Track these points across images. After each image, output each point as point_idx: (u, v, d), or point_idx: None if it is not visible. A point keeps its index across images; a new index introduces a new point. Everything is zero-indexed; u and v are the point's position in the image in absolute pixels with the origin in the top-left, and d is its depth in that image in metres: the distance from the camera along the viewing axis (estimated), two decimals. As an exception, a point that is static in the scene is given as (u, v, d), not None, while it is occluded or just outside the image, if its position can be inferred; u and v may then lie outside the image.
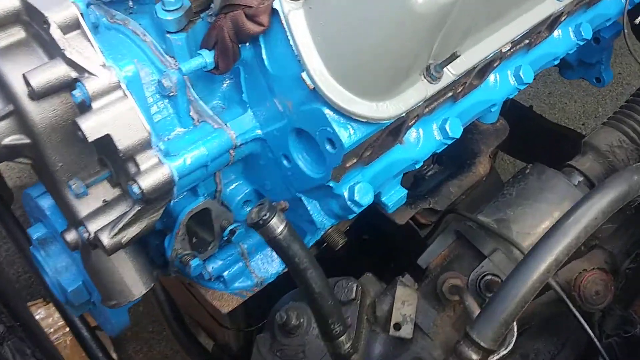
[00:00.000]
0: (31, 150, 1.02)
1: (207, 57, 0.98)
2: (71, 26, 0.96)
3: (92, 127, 0.92)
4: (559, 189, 1.15)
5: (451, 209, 1.27)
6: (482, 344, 0.85)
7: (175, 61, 1.08)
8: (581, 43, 1.42)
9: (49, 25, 0.94)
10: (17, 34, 1.01)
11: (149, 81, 1.10)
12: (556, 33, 1.37)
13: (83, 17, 0.99)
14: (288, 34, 0.88)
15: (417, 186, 1.45)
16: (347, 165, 1.00)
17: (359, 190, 1.05)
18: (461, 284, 1.09)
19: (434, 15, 0.82)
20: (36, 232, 1.25)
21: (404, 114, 0.95)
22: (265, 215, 0.82)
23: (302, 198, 1.11)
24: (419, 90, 0.96)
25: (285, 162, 1.07)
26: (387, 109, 0.92)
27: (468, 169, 1.44)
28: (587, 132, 3.20)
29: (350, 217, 1.11)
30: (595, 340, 0.98)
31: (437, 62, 0.96)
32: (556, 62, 1.42)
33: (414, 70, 0.92)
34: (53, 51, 0.97)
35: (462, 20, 0.91)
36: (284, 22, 0.89)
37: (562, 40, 1.39)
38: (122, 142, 0.94)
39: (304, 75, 0.89)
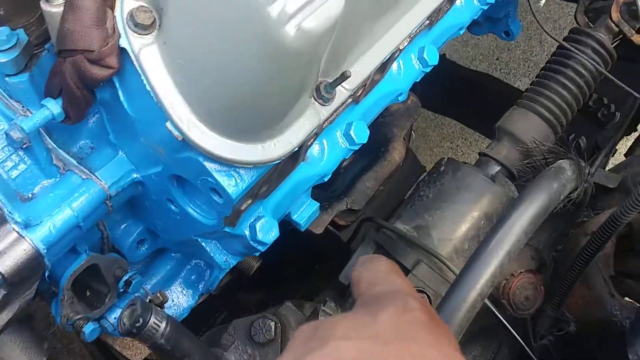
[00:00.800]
0: None
1: (53, 108, 0.81)
2: None
3: None
4: (476, 187, 1.07)
5: (367, 217, 1.17)
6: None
7: (22, 106, 0.91)
8: (485, 7, 1.31)
9: None
10: None
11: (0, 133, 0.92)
12: (459, 2, 1.26)
13: None
14: (142, 77, 0.73)
15: (331, 183, 1.34)
16: (242, 208, 0.87)
17: (261, 228, 0.93)
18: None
19: (313, 46, 0.68)
20: None
21: (296, 148, 0.82)
22: (139, 320, 0.69)
23: (200, 240, 0.99)
24: (310, 117, 0.83)
25: (172, 207, 0.93)
26: (276, 148, 0.79)
27: (382, 158, 1.34)
28: (501, 66, 3.19)
29: (258, 254, 0.99)
30: (527, 348, 0.93)
31: (327, 80, 0.83)
32: (462, 32, 1.31)
33: (300, 98, 0.79)
34: None
35: (347, 33, 0.78)
36: (135, 63, 0.73)
37: (466, 7, 1.28)
38: (-35, 225, 0.79)
39: (168, 125, 0.74)
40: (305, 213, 1.10)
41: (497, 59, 3.10)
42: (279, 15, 0.64)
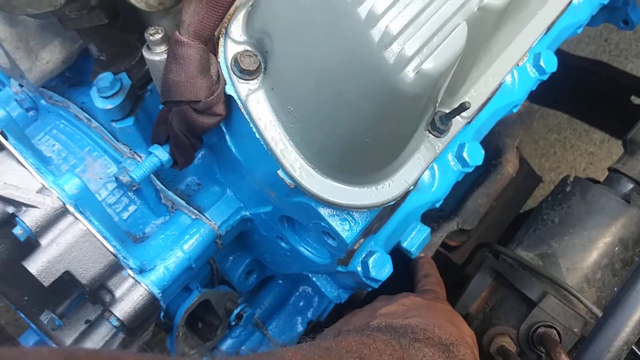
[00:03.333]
0: (-10, 289, 0.88)
1: (161, 156, 0.81)
2: (-8, 146, 0.80)
3: (45, 269, 0.78)
4: (608, 209, 0.97)
5: (483, 242, 1.10)
6: None
7: (130, 148, 0.92)
8: (606, 2, 1.19)
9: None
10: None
11: (107, 174, 0.94)
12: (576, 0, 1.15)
13: (7, 129, 0.83)
14: (251, 124, 0.70)
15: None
16: (355, 247, 0.83)
17: (374, 265, 0.89)
18: (509, 342, 0.94)
19: (432, 87, 0.62)
20: None
21: (411, 185, 0.77)
22: None
23: (310, 276, 0.96)
24: (426, 152, 0.77)
25: (282, 244, 0.91)
26: (390, 189, 0.75)
27: (495, 171, 1.25)
28: (610, 48, 2.95)
29: (370, 290, 0.95)
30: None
31: (443, 111, 0.77)
32: (580, 30, 1.20)
33: (415, 135, 0.74)
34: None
35: (466, 63, 0.72)
36: (243, 110, 0.70)
37: (584, 4, 1.17)
38: (86, 274, 0.81)
39: (280, 173, 0.71)
40: (415, 240, 1.05)
41: (606, 41, 2.86)
42: (396, 60, 0.59)
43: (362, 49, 0.60)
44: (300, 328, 1.17)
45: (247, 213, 0.91)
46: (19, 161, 0.80)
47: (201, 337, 1.07)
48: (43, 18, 0.84)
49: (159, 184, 0.92)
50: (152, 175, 0.91)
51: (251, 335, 1.15)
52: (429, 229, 1.05)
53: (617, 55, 2.88)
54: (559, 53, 1.94)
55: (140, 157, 0.91)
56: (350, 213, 0.76)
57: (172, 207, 0.96)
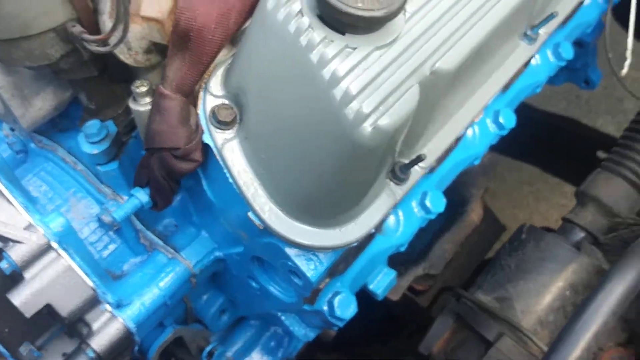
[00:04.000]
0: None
1: (142, 197, 0.87)
2: (-17, 186, 0.85)
3: (27, 301, 0.83)
4: (560, 256, 1.04)
5: (446, 286, 1.17)
6: None
7: (113, 191, 0.98)
8: (563, 64, 1.30)
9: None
10: None
11: (89, 214, 1.00)
12: (534, 61, 1.25)
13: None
14: (225, 170, 0.77)
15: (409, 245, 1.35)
16: (321, 287, 0.90)
17: (339, 305, 0.95)
18: (468, 380, 1.00)
19: (387, 140, 0.70)
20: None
21: (373, 227, 0.84)
22: None
23: (279, 315, 1.02)
24: (386, 198, 0.85)
25: (252, 283, 0.97)
26: (353, 231, 0.82)
27: (460, 219, 1.33)
28: (581, 104, 3.09)
29: (335, 329, 1.01)
30: None
31: (402, 161, 0.85)
32: (538, 90, 1.30)
33: (375, 182, 0.81)
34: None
35: (421, 119, 0.80)
36: (218, 157, 0.78)
37: (542, 67, 1.27)
38: (65, 308, 0.85)
39: (250, 215, 0.78)
40: (382, 282, 1.10)
41: (577, 97, 3.01)
42: (355, 116, 0.67)
43: (325, 107, 0.68)
44: (275, 364, 1.21)
45: (221, 253, 0.98)
46: (8, 200, 0.86)
47: (174, 373, 1.11)
48: (38, 69, 0.92)
49: (139, 224, 0.98)
50: (132, 216, 0.97)
51: (224, 373, 1.19)
52: (395, 273, 1.12)
53: (587, 111, 3.02)
54: (530, 109, 2.07)
55: (123, 198, 0.98)
56: (316, 253, 0.83)
57: (150, 247, 1.01)
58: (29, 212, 0.86)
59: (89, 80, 0.93)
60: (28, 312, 0.83)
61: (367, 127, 0.68)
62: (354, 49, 0.68)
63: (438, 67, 0.74)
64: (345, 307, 0.95)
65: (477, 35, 0.78)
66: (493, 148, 1.40)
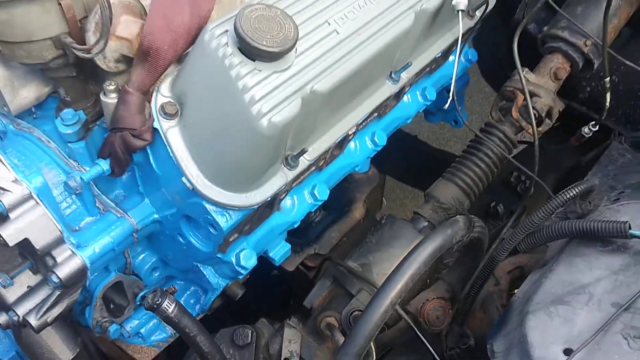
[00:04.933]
0: (-42, 253, 1.19)
1: (103, 165, 1.18)
2: (-17, 148, 1.14)
3: (11, 234, 1.11)
4: (406, 236, 1.42)
5: (328, 256, 1.52)
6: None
7: (78, 164, 1.28)
8: (428, 103, 1.70)
9: (-39, 153, 1.12)
10: None
11: (57, 181, 1.29)
12: (406, 98, 1.65)
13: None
14: (168, 147, 1.10)
15: (306, 232, 1.70)
16: (230, 239, 1.23)
17: (243, 257, 1.28)
18: (334, 321, 1.34)
19: (277, 132, 1.06)
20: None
21: (269, 198, 1.19)
22: (158, 300, 1.04)
23: (199, 265, 1.34)
24: (280, 178, 1.20)
25: (180, 239, 1.29)
26: (255, 197, 1.16)
27: (346, 215, 1.70)
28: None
29: (240, 277, 1.34)
30: (437, 356, 1.24)
31: (292, 153, 1.20)
32: (409, 121, 1.70)
33: (273, 164, 1.17)
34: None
35: (306, 124, 1.16)
36: (163, 138, 1.11)
37: (412, 104, 1.67)
38: (39, 242, 1.14)
39: (183, 179, 1.11)
40: (279, 252, 1.45)
41: (441, 127, 3.54)
42: (257, 113, 1.02)
43: (238, 107, 1.02)
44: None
45: (158, 216, 1.29)
46: (1, 160, 1.15)
47: (112, 315, 1.40)
48: (31, 67, 1.22)
49: (97, 190, 1.28)
50: (92, 184, 1.27)
51: (150, 321, 1.48)
52: (289, 245, 1.46)
53: (447, 139, 3.58)
54: (425, 145, 2.51)
55: (85, 169, 1.28)
56: (228, 211, 1.16)
57: (103, 210, 1.31)
58: (15, 171, 1.15)
59: (68, 79, 1.24)
60: (11, 242, 1.11)
61: (264, 121, 1.03)
62: (260, 70, 1.04)
63: (315, 88, 1.10)
64: (248, 259, 1.29)
65: (345, 70, 1.15)
66: (379, 168, 1.79)
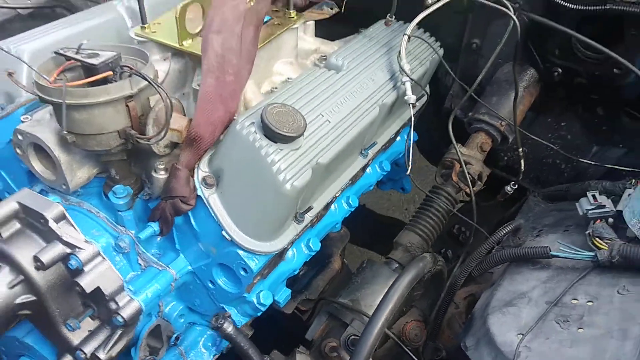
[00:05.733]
0: (34, 304, 1.45)
1: (155, 227, 1.50)
2: (60, 218, 1.43)
3: (87, 283, 1.38)
4: (384, 274, 1.79)
5: (321, 297, 1.86)
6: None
7: (125, 229, 1.59)
8: (385, 173, 2.12)
9: (46, 220, 1.40)
10: (14, 226, 1.43)
11: (107, 244, 1.59)
12: (369, 170, 2.06)
13: (66, 210, 1.48)
14: (210, 209, 1.44)
15: (294, 284, 2.03)
16: (255, 281, 1.55)
17: (263, 296, 1.60)
18: (336, 344, 1.66)
19: (296, 193, 1.42)
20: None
21: (285, 245, 1.54)
22: (221, 321, 1.35)
23: (224, 307, 1.64)
24: (292, 230, 1.55)
25: (210, 285, 1.59)
26: (276, 245, 1.50)
27: (327, 267, 2.05)
28: (408, 215, 4.09)
29: (259, 314, 1.65)
30: (418, 366, 1.58)
31: (300, 211, 1.57)
32: (372, 188, 2.11)
33: (288, 220, 1.52)
34: (49, 236, 1.41)
35: (310, 189, 1.54)
36: (206, 202, 1.45)
37: (373, 174, 2.08)
38: (107, 289, 1.42)
39: (223, 232, 1.45)
40: (282, 295, 1.77)
41: (406, 209, 3.99)
42: (283, 179, 1.38)
43: (267, 176, 1.38)
44: (209, 358, 1.78)
45: (191, 267, 1.60)
46: (73, 225, 1.44)
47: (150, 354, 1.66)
48: (90, 152, 1.54)
49: (142, 248, 1.58)
50: (137, 244, 1.58)
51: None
52: (290, 290, 1.79)
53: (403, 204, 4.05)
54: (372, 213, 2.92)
55: (131, 232, 1.58)
56: (256, 256, 1.49)
57: (144, 266, 1.61)
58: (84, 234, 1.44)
59: (120, 161, 1.57)
60: (88, 290, 1.39)
61: (288, 185, 1.40)
62: (281, 150, 1.41)
63: (319, 161, 1.49)
64: (266, 298, 1.60)
65: (337, 148, 1.55)
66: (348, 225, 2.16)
